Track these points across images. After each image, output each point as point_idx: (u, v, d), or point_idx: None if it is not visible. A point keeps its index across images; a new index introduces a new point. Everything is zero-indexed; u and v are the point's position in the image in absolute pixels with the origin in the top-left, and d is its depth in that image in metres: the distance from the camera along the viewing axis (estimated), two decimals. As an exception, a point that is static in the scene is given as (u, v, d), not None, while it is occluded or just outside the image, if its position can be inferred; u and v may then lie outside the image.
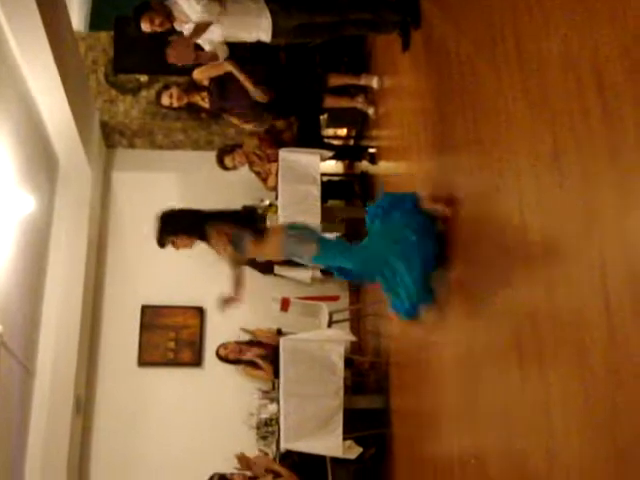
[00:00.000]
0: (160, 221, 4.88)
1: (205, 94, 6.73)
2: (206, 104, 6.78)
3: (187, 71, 6.63)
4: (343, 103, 6.86)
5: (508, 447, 3.17)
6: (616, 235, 2.20)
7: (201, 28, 5.60)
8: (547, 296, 2.70)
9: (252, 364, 7.21)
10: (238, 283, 4.42)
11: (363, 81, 6.61)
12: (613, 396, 2.20)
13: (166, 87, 6.88)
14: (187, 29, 5.75)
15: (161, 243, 4.95)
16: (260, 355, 7.08)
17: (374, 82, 6.48)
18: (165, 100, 6.81)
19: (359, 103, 6.77)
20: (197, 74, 6.62)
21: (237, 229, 4.41)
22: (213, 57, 6.27)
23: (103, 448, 7.66)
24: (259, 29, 5.45)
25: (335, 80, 6.65)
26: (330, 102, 6.77)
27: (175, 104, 6.81)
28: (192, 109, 7.03)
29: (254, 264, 7.24)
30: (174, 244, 4.92)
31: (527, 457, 2.90)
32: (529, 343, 2.86)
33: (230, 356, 7.29)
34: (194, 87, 6.77)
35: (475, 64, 3.66)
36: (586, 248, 2.37)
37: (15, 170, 6.07)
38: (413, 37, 5.13)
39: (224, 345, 7.30)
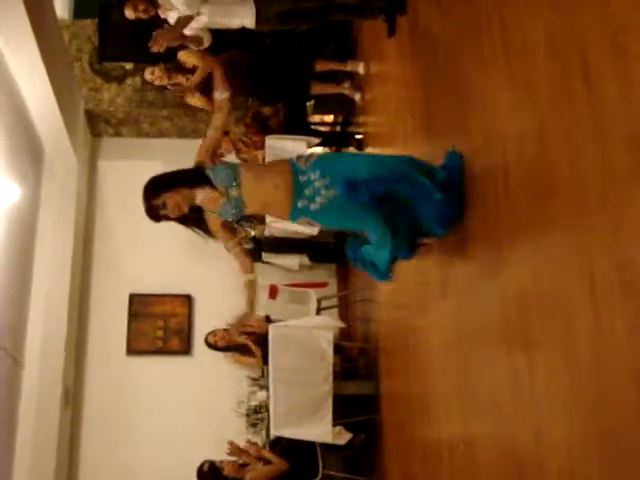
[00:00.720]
0: (146, 187, 3.80)
1: (189, 76, 6.68)
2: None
3: (172, 58, 6.60)
4: (330, 89, 6.85)
5: (496, 431, 3.19)
6: (603, 221, 2.20)
7: (183, 22, 5.60)
8: (533, 280, 2.71)
9: (242, 350, 7.22)
10: (244, 258, 3.82)
11: (349, 67, 6.62)
12: (598, 380, 2.22)
13: (152, 63, 6.83)
14: (172, 17, 5.72)
15: (152, 212, 3.77)
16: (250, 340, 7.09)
17: (360, 68, 6.48)
18: (147, 75, 6.79)
19: (346, 89, 6.77)
20: (183, 55, 6.59)
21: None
22: (197, 40, 6.25)
23: (93, 439, 7.65)
24: (243, 16, 5.43)
25: (321, 66, 6.64)
26: (317, 88, 6.77)
27: (156, 82, 6.79)
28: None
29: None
30: (165, 207, 3.72)
31: (515, 441, 2.92)
32: (516, 328, 2.88)
33: (219, 343, 7.29)
34: (179, 68, 6.74)
35: (460, 50, 3.66)
36: (573, 233, 2.38)
37: (0, 160, 6.04)
38: (399, 23, 5.12)
39: (213, 332, 7.30)
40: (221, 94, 3.77)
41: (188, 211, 3.73)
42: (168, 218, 3.77)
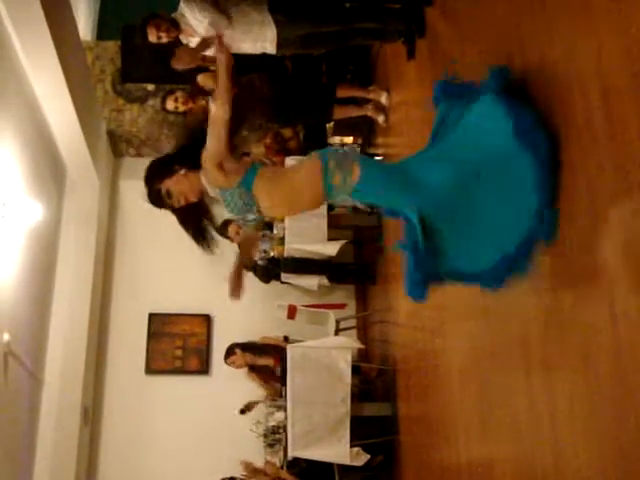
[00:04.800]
0: (148, 167, 3.42)
1: (210, 99, 6.68)
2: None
3: (193, 80, 6.64)
4: (353, 112, 6.72)
5: (515, 455, 3.17)
6: (623, 239, 2.20)
7: (208, 42, 5.62)
8: (554, 303, 2.70)
9: (259, 371, 7.21)
10: (236, 277, 3.39)
11: (372, 95, 6.49)
12: (619, 404, 2.20)
13: (171, 92, 6.81)
14: (194, 42, 5.76)
15: (153, 198, 3.33)
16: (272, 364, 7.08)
17: (383, 98, 6.34)
18: (170, 105, 6.71)
19: (369, 111, 6.65)
20: (202, 79, 6.60)
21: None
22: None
23: (111, 457, 7.67)
24: (264, 40, 5.45)
25: (343, 92, 6.55)
26: (340, 113, 6.62)
27: (180, 108, 6.75)
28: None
29: (255, 269, 7.27)
30: (170, 196, 3.24)
31: (534, 465, 2.90)
32: (536, 351, 2.87)
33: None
34: (199, 92, 6.75)
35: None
36: (593, 254, 2.38)
37: (23, 179, 6.10)
38: (418, 46, 5.15)
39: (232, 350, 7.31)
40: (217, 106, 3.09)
41: (193, 211, 3.27)
42: (173, 209, 3.28)
